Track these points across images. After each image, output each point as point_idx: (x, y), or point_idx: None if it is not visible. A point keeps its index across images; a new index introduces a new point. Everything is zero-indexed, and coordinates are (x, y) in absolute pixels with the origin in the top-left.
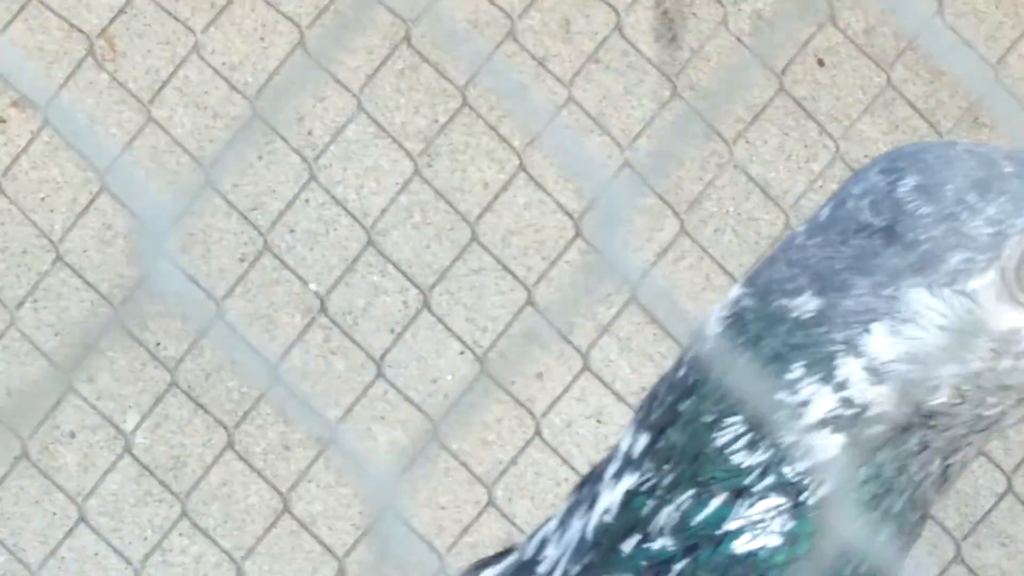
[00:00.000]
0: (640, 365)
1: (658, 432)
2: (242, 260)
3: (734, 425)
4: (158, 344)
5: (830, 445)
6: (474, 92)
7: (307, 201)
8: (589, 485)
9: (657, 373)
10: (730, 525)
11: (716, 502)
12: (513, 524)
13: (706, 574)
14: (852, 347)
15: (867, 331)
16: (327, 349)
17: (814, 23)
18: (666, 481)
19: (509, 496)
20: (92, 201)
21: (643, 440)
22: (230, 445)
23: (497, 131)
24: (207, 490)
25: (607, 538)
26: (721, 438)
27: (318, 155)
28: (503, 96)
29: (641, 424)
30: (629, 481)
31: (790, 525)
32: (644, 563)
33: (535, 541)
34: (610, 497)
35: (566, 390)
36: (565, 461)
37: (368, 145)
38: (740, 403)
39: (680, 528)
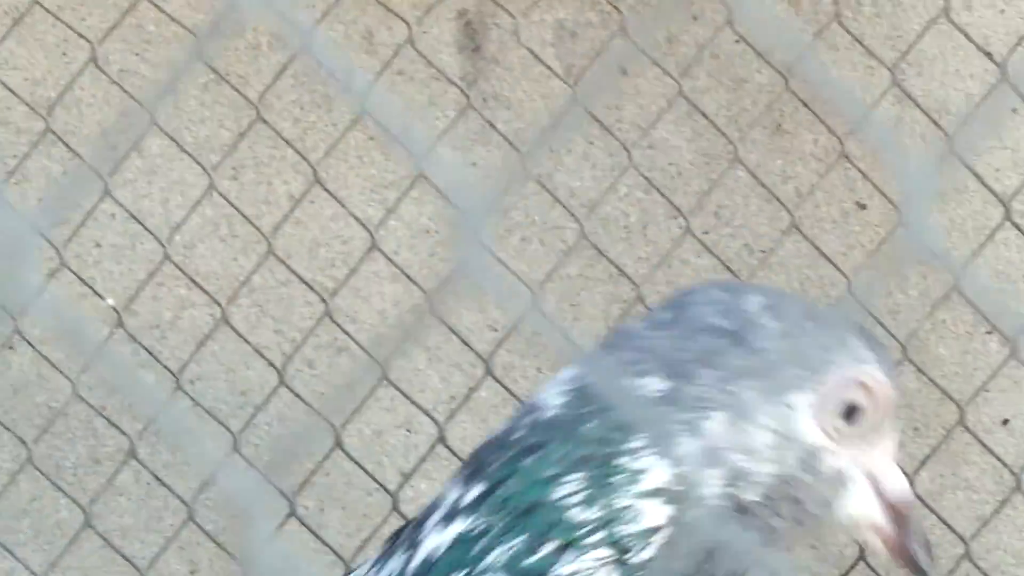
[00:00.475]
0: (449, 375)
1: (495, 483)
2: (49, 275)
3: (573, 482)
4: None
5: (658, 514)
6: (278, 105)
7: (113, 216)
8: (408, 532)
9: (465, 382)
10: (560, 570)
11: (547, 549)
12: (318, 537)
13: None
14: (694, 429)
15: (709, 417)
16: (135, 363)
17: (616, 32)
18: (500, 525)
19: (321, 507)
20: None
21: (476, 490)
22: (30, 460)
23: (294, 145)
24: (17, 505)
25: (432, 574)
26: (559, 492)
27: (114, 169)
28: (306, 108)
29: (472, 477)
30: (461, 526)
31: None
32: None
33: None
34: (438, 539)
35: (371, 398)
36: (370, 475)
37: (173, 159)
38: (582, 463)
39: (509, 567)
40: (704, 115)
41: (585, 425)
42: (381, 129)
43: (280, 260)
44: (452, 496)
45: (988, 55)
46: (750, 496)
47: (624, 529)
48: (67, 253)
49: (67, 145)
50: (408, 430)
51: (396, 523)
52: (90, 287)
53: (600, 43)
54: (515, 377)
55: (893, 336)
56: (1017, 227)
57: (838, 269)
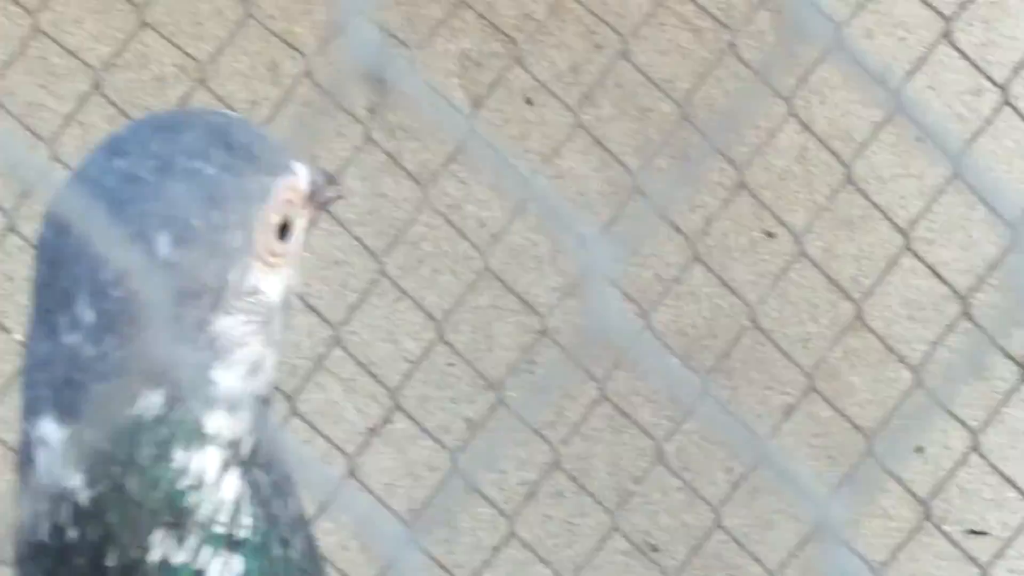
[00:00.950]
0: (364, 406)
1: None
2: None
3: (158, 539)
4: None
5: (232, 484)
6: None
7: (21, 248)
8: None
9: (381, 414)
10: None
11: None
12: None
13: None
14: (208, 403)
15: (213, 382)
16: None
17: (519, 62)
18: None
19: None
20: None
21: None
22: None
23: None
24: None
25: None
26: (154, 556)
27: (20, 202)
28: None
29: None
30: None
31: (240, 566)
32: None
33: None
34: None
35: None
36: None
37: None
38: (152, 517)
39: None
40: (602, 145)
41: (130, 488)
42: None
43: None
44: None
45: (883, 83)
46: (269, 387)
47: (220, 524)
48: None
49: None
50: (327, 462)
51: None
52: None
53: (505, 73)
54: (430, 409)
55: (799, 366)
56: (916, 255)
57: (741, 299)
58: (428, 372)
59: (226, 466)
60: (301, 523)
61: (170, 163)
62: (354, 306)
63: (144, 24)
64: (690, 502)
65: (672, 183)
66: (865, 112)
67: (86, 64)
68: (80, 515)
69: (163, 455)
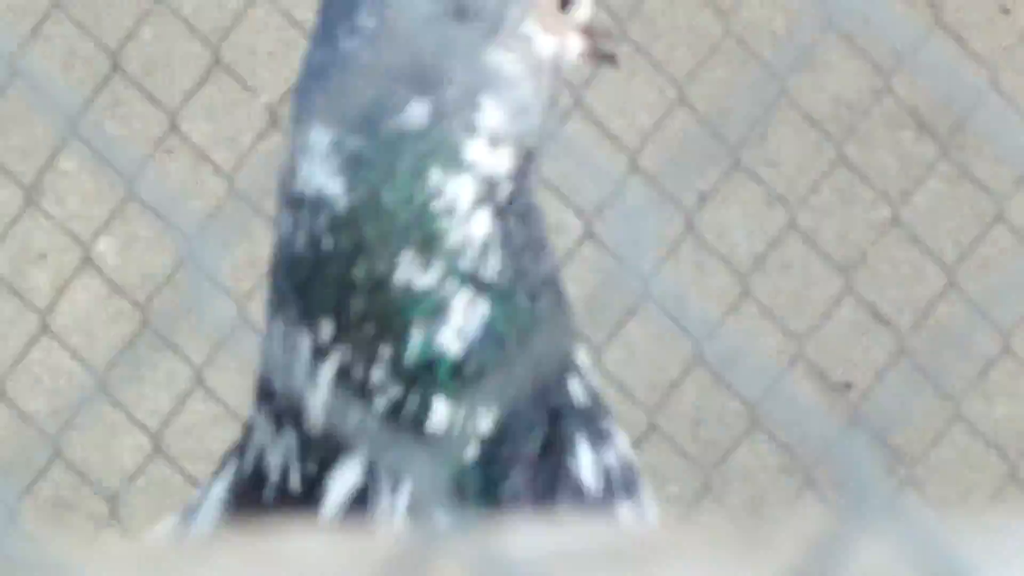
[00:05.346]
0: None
1: (339, 311)
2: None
3: (406, 258)
4: None
5: (483, 222)
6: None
7: None
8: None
9: None
10: (439, 342)
11: (416, 337)
12: None
13: (438, 392)
14: (471, 129)
15: (478, 108)
16: None
17: None
18: (365, 350)
19: None
20: None
21: (327, 329)
22: None
23: None
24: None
25: (332, 427)
26: (400, 277)
27: None
28: None
29: (310, 315)
30: (329, 372)
31: (485, 309)
32: (377, 422)
33: (250, 456)
34: (317, 395)
35: None
36: None
37: None
38: (403, 238)
39: (395, 375)
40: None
41: (385, 198)
42: None
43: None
44: (306, 346)
45: None
46: (534, 138)
47: (466, 259)
48: None
49: None
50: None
51: None
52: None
53: None
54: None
55: None
56: None
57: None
58: (661, 145)
59: (479, 201)
60: (552, 285)
61: None
62: (587, 80)
63: None
64: (918, 274)
65: None
66: None
67: None
68: (336, 223)
69: (421, 170)
